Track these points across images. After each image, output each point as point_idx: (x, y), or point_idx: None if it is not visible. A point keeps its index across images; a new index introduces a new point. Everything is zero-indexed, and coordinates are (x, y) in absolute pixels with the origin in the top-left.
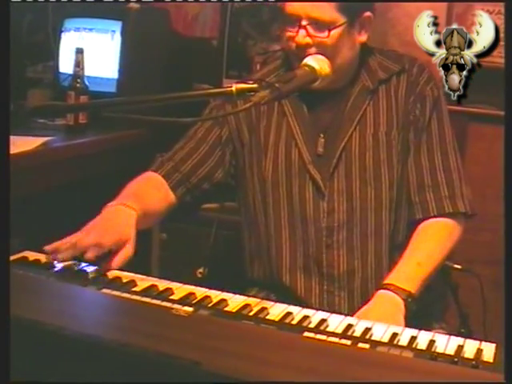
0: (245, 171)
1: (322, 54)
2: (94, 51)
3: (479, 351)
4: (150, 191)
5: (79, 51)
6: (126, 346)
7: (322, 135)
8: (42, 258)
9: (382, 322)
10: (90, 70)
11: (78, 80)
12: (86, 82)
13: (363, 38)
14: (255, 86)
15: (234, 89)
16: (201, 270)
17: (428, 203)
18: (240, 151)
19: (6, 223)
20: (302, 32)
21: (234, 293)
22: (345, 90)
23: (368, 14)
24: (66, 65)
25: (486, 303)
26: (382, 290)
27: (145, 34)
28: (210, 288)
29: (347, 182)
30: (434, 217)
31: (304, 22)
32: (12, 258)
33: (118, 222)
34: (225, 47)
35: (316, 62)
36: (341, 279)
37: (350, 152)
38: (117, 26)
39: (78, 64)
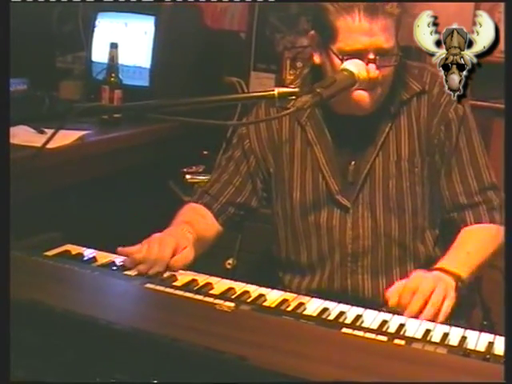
0: (272, 199)
1: (375, 87)
2: (127, 44)
3: None
4: (198, 219)
5: (114, 46)
6: (175, 341)
7: (353, 163)
8: (84, 251)
9: (437, 286)
10: (123, 60)
11: (113, 75)
12: (120, 77)
13: None
14: (297, 90)
15: (276, 93)
16: (230, 261)
17: (467, 218)
18: (268, 180)
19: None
20: (372, 66)
21: (264, 284)
22: None
23: None
24: (98, 55)
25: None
26: (434, 272)
27: (177, 28)
28: (239, 280)
29: (372, 208)
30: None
31: (371, 56)
32: (54, 251)
33: (176, 235)
34: (253, 40)
35: (354, 67)
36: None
37: (374, 178)
38: (150, 20)
39: (113, 59)
